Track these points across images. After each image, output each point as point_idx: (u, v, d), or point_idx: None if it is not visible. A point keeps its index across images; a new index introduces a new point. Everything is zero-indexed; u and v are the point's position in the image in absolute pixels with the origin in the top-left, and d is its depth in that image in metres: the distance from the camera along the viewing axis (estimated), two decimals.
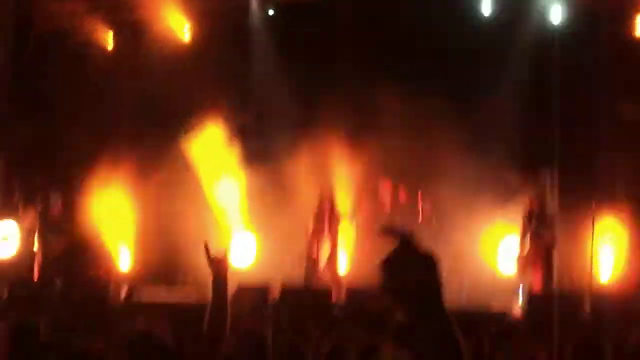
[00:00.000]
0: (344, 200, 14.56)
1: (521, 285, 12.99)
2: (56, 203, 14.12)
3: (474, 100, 15.31)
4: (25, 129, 16.69)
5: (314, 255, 13.67)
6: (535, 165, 14.89)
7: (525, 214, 13.11)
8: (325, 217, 13.87)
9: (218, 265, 4.37)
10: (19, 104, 16.80)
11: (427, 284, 2.80)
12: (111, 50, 17.47)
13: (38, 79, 16.63)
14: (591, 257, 12.94)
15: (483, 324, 10.44)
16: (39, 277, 13.47)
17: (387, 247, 2.84)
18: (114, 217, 15.65)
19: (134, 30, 17.36)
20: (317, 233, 13.81)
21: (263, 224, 15.62)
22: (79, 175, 14.99)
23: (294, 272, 14.16)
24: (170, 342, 4.61)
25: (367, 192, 15.34)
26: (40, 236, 13.55)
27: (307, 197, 14.48)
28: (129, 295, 13.39)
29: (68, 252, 13.92)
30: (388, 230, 2.98)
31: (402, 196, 15.52)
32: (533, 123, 15.25)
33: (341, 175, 14.83)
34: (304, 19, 16.30)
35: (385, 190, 15.68)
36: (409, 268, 2.81)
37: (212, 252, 4.36)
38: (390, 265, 2.84)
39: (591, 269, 12.88)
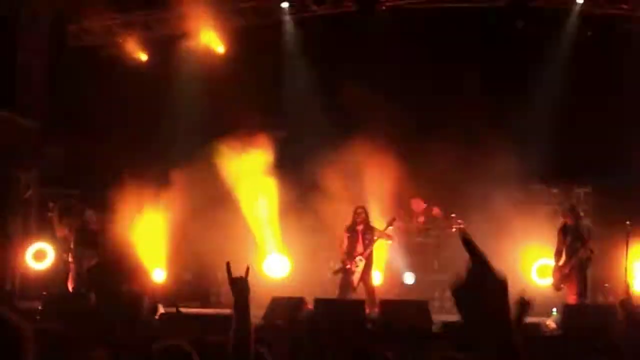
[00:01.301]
0: (378, 216, 14.62)
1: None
2: (90, 218, 14.16)
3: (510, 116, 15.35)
4: (60, 144, 17.08)
5: (348, 268, 13.80)
6: (572, 182, 14.94)
7: (560, 228, 13.10)
8: (360, 231, 13.96)
9: (239, 284, 4.42)
10: (54, 119, 17.11)
11: (500, 309, 2.61)
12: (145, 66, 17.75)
13: (73, 96, 16.85)
14: (625, 271, 13.11)
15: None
16: (72, 290, 13.56)
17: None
18: (149, 234, 15.87)
19: (167, 46, 17.65)
20: (351, 246, 13.93)
21: (299, 238, 15.81)
22: (112, 191, 15.14)
23: (329, 286, 14.33)
24: (194, 356, 4.57)
25: (401, 209, 15.47)
26: (75, 250, 13.63)
27: (342, 211, 14.57)
28: (166, 309, 13.36)
29: (101, 266, 13.97)
30: (467, 241, 2.76)
31: (435, 212, 15.58)
32: (569, 139, 15.30)
33: (376, 190, 14.97)
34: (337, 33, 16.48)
35: (419, 207, 15.74)
36: (486, 292, 2.60)
37: (234, 272, 4.40)
38: (467, 288, 2.64)
39: (626, 282, 12.95)
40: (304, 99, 16.04)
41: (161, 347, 4.59)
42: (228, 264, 4.44)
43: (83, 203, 14.84)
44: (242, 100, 15.88)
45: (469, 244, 2.73)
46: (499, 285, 2.61)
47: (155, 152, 16.59)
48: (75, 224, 13.83)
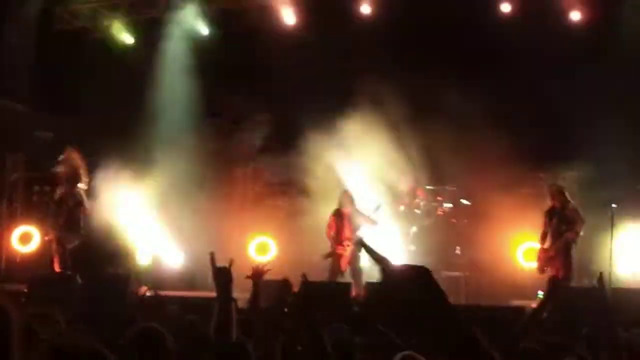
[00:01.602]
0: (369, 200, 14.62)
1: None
2: (75, 200, 14.06)
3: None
4: (47, 128, 17.09)
5: (337, 252, 13.84)
6: (558, 165, 14.98)
7: (547, 211, 13.07)
8: (346, 215, 13.97)
9: (223, 275, 4.67)
10: (42, 103, 17.02)
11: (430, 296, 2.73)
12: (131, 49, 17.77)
13: (60, 79, 16.80)
14: (610, 252, 13.20)
15: (505, 318, 11.07)
16: (58, 273, 13.43)
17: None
18: (133, 216, 15.80)
19: (153, 28, 17.62)
20: (339, 231, 13.97)
21: (284, 221, 15.84)
22: (98, 174, 14.99)
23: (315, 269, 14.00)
24: (169, 339, 4.60)
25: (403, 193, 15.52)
26: (59, 231, 13.55)
27: (329, 195, 14.64)
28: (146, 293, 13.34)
29: (85, 248, 13.83)
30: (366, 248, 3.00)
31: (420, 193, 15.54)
32: (555, 123, 15.39)
33: (365, 173, 14.93)
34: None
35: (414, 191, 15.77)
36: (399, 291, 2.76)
37: (217, 261, 4.67)
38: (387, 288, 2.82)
39: (610, 263, 13.02)
40: (292, 80, 15.92)
41: (134, 330, 4.60)
42: (212, 255, 4.67)
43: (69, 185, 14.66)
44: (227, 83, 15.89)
45: (368, 251, 2.95)
46: (415, 275, 2.74)
47: (141, 134, 16.42)
48: (59, 206, 13.72)
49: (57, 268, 13.51)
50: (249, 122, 16.21)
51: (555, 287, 12.46)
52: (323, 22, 16.62)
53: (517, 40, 15.41)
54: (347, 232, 13.89)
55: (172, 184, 15.53)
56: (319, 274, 13.56)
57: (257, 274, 5.39)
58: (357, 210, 14.02)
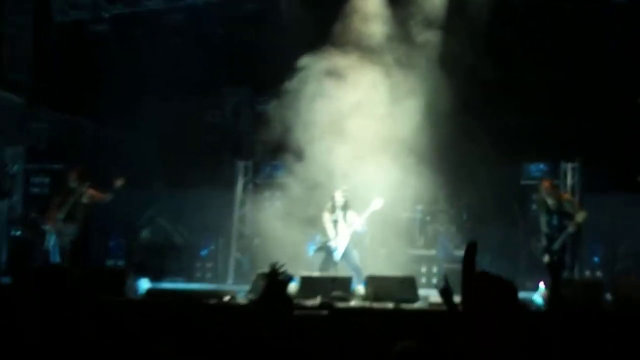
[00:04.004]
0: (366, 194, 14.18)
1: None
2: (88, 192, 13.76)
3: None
4: (44, 120, 16.96)
5: (330, 246, 13.63)
6: (559, 156, 14.88)
7: (544, 210, 12.63)
8: (341, 211, 13.76)
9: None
10: (39, 95, 16.82)
11: None
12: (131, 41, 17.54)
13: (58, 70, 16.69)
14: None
15: None
16: (56, 265, 13.00)
17: None
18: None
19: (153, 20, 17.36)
20: (333, 225, 13.71)
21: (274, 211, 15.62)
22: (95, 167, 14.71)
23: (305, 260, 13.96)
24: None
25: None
26: (58, 224, 13.23)
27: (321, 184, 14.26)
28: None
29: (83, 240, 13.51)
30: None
31: None
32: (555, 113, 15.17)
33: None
34: None
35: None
36: None
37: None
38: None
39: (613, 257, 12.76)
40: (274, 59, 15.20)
41: None
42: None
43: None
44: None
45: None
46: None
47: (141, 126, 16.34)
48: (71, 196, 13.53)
49: (54, 260, 13.19)
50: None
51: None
52: None
53: None
54: (341, 227, 13.68)
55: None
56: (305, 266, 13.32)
57: (274, 274, 5.28)
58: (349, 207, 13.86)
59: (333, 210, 13.78)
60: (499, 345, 3.07)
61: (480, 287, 3.39)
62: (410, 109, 13.81)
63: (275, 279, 5.21)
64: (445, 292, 4.09)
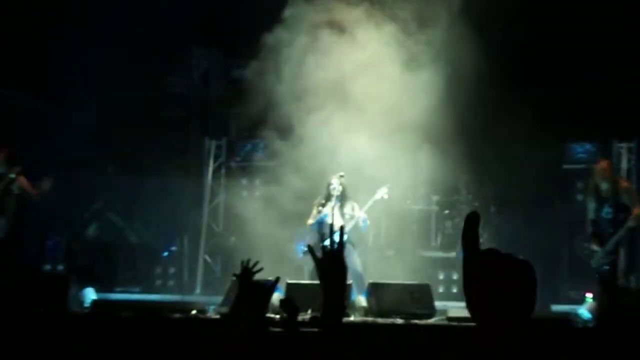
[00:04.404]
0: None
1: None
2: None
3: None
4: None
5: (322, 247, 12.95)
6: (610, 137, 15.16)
7: (595, 199, 12.55)
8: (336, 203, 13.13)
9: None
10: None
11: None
12: None
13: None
14: None
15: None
16: None
17: None
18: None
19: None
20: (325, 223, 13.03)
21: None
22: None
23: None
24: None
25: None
26: None
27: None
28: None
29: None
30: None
31: None
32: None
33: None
34: None
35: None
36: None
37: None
38: None
39: None
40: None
41: None
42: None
43: None
44: None
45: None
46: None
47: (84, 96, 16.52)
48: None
49: None
50: None
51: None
52: None
53: None
54: (337, 224, 12.98)
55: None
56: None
57: (246, 274, 5.12)
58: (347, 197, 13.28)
59: (328, 200, 13.08)
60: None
61: (486, 268, 3.19)
62: (428, 74, 13.49)
63: (249, 280, 5.06)
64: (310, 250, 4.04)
